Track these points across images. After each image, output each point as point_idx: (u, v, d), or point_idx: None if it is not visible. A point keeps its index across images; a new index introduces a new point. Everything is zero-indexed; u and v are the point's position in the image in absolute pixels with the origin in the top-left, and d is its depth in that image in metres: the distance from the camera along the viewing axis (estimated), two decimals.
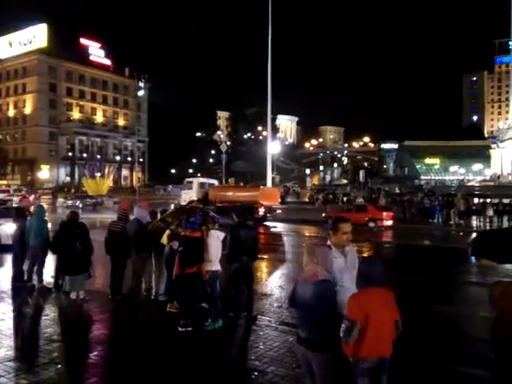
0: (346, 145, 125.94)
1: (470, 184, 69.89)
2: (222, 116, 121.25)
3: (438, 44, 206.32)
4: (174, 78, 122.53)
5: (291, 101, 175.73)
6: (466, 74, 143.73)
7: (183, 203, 19.33)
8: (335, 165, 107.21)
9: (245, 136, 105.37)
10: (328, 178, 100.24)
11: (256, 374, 5.29)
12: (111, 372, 5.48)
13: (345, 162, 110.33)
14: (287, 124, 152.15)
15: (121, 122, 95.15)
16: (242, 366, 5.61)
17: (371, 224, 23.70)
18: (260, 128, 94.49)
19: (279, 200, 30.04)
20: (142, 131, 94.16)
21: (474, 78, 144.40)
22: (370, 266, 3.56)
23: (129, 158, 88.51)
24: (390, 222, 23.89)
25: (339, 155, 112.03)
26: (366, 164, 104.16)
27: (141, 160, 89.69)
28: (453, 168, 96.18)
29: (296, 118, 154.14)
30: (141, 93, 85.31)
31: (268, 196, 26.56)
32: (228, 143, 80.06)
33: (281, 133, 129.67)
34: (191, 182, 35.25)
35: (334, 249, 4.06)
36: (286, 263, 13.74)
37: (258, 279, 10.74)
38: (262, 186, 32.83)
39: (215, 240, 7.10)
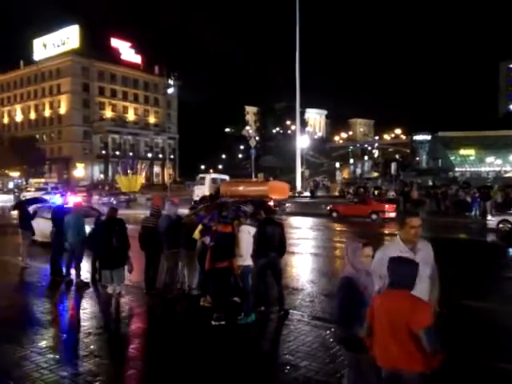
0: (376, 137, 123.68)
1: (507, 175, 67.45)
2: (251, 111, 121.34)
3: (473, 31, 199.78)
4: (203, 75, 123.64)
5: (320, 94, 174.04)
6: (502, 62, 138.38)
7: (196, 198, 19.70)
8: (366, 158, 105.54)
9: (273, 131, 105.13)
10: (358, 171, 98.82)
11: (289, 368, 5.31)
12: (148, 365, 5.61)
13: (375, 154, 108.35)
14: (316, 117, 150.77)
15: (151, 119, 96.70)
16: (274, 360, 5.63)
17: (374, 216, 24.24)
18: (289, 122, 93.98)
19: (288, 194, 30.76)
20: (173, 128, 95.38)
21: (511, 65, 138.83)
22: (394, 266, 3.24)
23: (160, 155, 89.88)
24: (392, 214, 24.02)
25: (369, 148, 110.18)
26: (397, 156, 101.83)
27: (171, 157, 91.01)
28: (489, 159, 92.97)
29: (325, 112, 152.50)
30: (170, 90, 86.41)
31: (277, 190, 27.18)
32: (257, 138, 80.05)
33: (310, 127, 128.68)
34: (204, 178, 36.27)
35: (402, 244, 3.81)
36: (317, 257, 13.67)
37: (288, 273, 10.74)
38: (271, 180, 33.52)
39: (246, 235, 7.13)
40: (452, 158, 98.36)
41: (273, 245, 7.26)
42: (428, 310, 3.17)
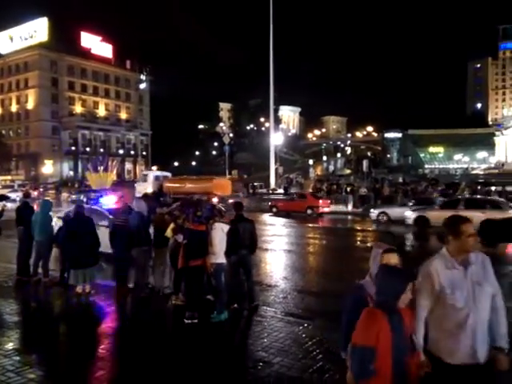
0: (349, 135, 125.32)
1: (474, 172, 69.56)
2: (225, 108, 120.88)
3: (441, 32, 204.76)
4: (175, 71, 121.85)
5: (293, 91, 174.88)
6: (470, 61, 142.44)
7: (138, 195, 19.78)
8: (338, 155, 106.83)
9: (247, 127, 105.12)
10: (331, 168, 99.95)
11: (262, 364, 5.32)
12: (119, 365, 5.52)
13: (348, 151, 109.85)
14: (290, 115, 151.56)
15: (123, 115, 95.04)
16: (247, 357, 5.63)
17: (309, 211, 26.22)
18: (262, 119, 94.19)
19: (230, 191, 31.97)
20: (145, 124, 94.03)
21: (478, 65, 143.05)
22: (380, 277, 2.85)
23: (132, 152, 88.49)
24: (326, 209, 26.61)
25: (342, 145, 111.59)
26: (369, 154, 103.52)
27: (144, 153, 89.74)
28: (457, 156, 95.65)
29: (298, 109, 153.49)
30: (142, 86, 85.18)
31: (220, 187, 28.05)
32: (231, 135, 79.89)
33: (283, 124, 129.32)
34: (146, 175, 37.61)
35: (449, 257, 3.10)
36: (290, 254, 13.76)
37: (262, 270, 10.77)
38: (215, 178, 34.47)
39: (220, 232, 7.11)
40: (422, 155, 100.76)
41: (244, 242, 7.32)
42: (361, 325, 2.70)
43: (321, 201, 27.39)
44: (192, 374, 5.08)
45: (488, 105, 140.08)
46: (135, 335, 6.38)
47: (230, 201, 29.74)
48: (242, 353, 5.82)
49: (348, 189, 35.91)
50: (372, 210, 23.63)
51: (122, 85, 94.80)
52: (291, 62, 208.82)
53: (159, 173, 41.02)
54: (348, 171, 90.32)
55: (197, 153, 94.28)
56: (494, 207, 17.77)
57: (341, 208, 29.47)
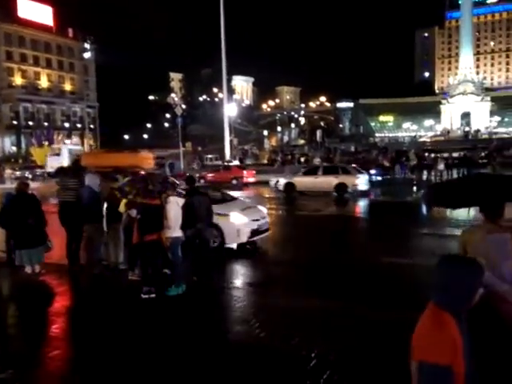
0: (302, 105, 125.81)
1: (421, 140, 72.18)
2: (176, 78, 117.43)
3: (388, 3, 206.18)
4: (122, 39, 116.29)
5: (246, 61, 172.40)
6: (417, 30, 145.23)
7: (50, 170, 19.35)
8: (293, 125, 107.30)
9: (200, 98, 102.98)
10: (286, 138, 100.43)
11: (222, 335, 5.36)
12: (74, 344, 5.38)
13: (302, 122, 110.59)
14: (243, 85, 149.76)
15: (68, 86, 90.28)
16: (207, 328, 5.65)
17: (234, 181, 27.56)
18: (216, 90, 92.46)
19: (153, 164, 32.14)
20: (91, 96, 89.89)
21: (426, 34, 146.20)
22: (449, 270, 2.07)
23: (78, 125, 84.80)
24: (251, 179, 28.13)
25: (296, 116, 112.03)
26: (322, 124, 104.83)
27: (91, 126, 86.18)
28: (406, 125, 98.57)
29: (252, 79, 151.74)
30: (87, 55, 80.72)
31: (145, 161, 28.01)
32: (183, 106, 78.11)
33: (237, 94, 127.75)
34: (60, 149, 37.79)
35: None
36: None
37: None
38: (141, 152, 34.08)
39: (175, 206, 6.99)
40: (372, 124, 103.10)
41: (200, 215, 7.32)
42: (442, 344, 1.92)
43: (245, 172, 29.17)
44: (150, 349, 5.03)
45: (435, 73, 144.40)
46: (90, 313, 6.23)
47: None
48: (200, 324, 5.82)
49: (302, 159, 36.36)
50: (271, 179, 24.57)
51: (65, 54, 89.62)
52: (244, 30, 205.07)
53: (73, 146, 40.82)
54: (302, 141, 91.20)
55: (148, 125, 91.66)
56: (344, 172, 21.01)
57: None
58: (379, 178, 26.01)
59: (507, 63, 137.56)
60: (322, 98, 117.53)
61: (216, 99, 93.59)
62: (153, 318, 5.96)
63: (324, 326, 5.50)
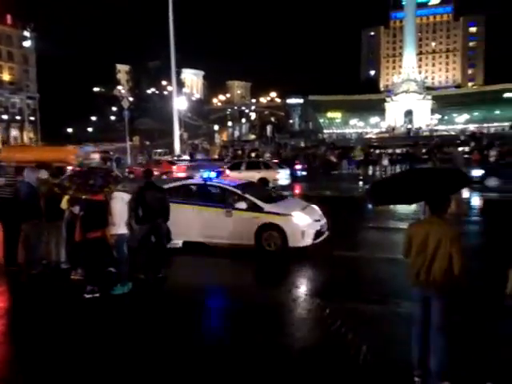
0: (253, 100, 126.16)
1: (367, 136, 74.51)
2: (122, 69, 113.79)
3: (336, 2, 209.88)
4: (66, 27, 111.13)
5: (196, 54, 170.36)
6: (364, 29, 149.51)
7: None
8: (243, 120, 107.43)
9: (148, 91, 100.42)
10: (237, 133, 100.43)
11: (167, 334, 5.27)
12: (13, 348, 5.09)
13: (253, 117, 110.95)
14: (193, 78, 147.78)
15: (6, 76, 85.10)
16: (150, 327, 5.53)
17: (164, 176, 27.23)
18: (165, 83, 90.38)
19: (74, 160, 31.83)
20: (32, 87, 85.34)
21: (372, 33, 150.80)
22: None
23: (18, 117, 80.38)
24: (181, 175, 27.74)
25: (247, 111, 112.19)
26: (273, 119, 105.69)
27: (32, 118, 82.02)
28: (352, 121, 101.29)
29: (202, 72, 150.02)
30: (27, 43, 76.34)
31: (68, 155, 27.74)
32: (130, 99, 75.89)
33: (187, 88, 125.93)
34: None
35: None
36: None
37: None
38: (67, 146, 33.46)
39: (120, 202, 6.76)
40: (321, 120, 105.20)
41: (154, 210, 7.17)
42: None
43: (175, 167, 29.27)
44: (93, 350, 4.85)
45: (380, 72, 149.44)
46: (28, 315, 5.92)
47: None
48: (144, 323, 5.68)
49: (252, 154, 36.47)
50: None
51: (3, 42, 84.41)
52: (194, 22, 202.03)
53: None
54: (253, 136, 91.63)
55: (93, 118, 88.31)
56: (266, 168, 22.04)
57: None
58: (304, 173, 26.96)
59: (447, 64, 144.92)
60: (273, 94, 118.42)
61: (165, 92, 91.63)
62: (96, 318, 5.75)
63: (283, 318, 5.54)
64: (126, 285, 6.66)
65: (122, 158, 34.70)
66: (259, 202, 8.94)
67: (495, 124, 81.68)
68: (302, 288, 6.96)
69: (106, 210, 6.65)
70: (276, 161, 25.22)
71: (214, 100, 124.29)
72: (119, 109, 64.36)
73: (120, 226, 6.74)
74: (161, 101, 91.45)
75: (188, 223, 8.99)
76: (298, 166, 27.14)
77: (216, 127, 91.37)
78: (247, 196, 9.06)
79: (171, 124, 41.40)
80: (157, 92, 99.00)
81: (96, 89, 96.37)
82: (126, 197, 6.93)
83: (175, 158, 35.37)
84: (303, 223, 8.72)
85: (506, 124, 77.22)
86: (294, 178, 23.98)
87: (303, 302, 6.22)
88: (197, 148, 52.82)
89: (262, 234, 8.63)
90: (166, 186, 9.04)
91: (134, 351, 4.82)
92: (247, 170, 21.86)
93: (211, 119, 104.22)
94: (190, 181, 11.32)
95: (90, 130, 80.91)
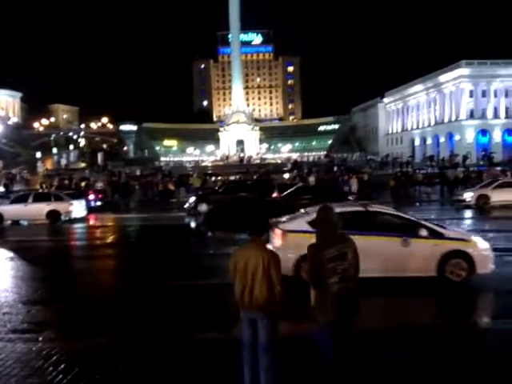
0: (82, 125, 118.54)
1: (204, 164, 76.51)
2: None
3: (168, 33, 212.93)
4: None
5: (11, 74, 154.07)
6: (195, 61, 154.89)
7: None
8: (71, 147, 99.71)
9: None
10: (64, 161, 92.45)
11: None
12: None
13: (82, 144, 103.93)
14: (8, 100, 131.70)
15: None
16: None
17: None
18: None
19: None
20: None
21: (203, 66, 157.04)
22: None
23: None
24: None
25: (75, 137, 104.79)
26: (105, 146, 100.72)
27: None
28: (189, 149, 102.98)
29: (20, 94, 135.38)
30: None
31: None
32: None
33: (1, 110, 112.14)
34: None
35: None
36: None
37: None
38: None
39: None
40: (157, 148, 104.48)
41: None
42: None
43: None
44: None
45: (212, 103, 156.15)
46: None
47: None
48: None
49: (82, 183, 33.92)
50: None
51: None
52: (9, 41, 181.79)
53: None
54: (83, 165, 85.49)
55: None
56: (57, 199, 20.72)
57: None
58: (98, 203, 26.12)
59: (270, 98, 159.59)
60: (104, 120, 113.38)
61: None
62: None
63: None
64: None
65: None
66: (438, 228, 8.34)
67: (313, 153, 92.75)
68: None
69: None
70: (68, 192, 23.68)
71: (36, 124, 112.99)
72: None
73: None
74: None
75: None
76: (92, 196, 25.96)
77: (39, 154, 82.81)
78: (423, 222, 8.45)
79: None
80: None
81: None
82: None
83: None
84: (485, 247, 8.31)
85: (322, 153, 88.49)
86: (89, 209, 22.92)
87: None
88: (14, 178, 46.71)
89: (447, 263, 7.97)
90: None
91: None
92: (34, 202, 20.22)
93: (32, 146, 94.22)
94: (347, 208, 8.54)
95: None
